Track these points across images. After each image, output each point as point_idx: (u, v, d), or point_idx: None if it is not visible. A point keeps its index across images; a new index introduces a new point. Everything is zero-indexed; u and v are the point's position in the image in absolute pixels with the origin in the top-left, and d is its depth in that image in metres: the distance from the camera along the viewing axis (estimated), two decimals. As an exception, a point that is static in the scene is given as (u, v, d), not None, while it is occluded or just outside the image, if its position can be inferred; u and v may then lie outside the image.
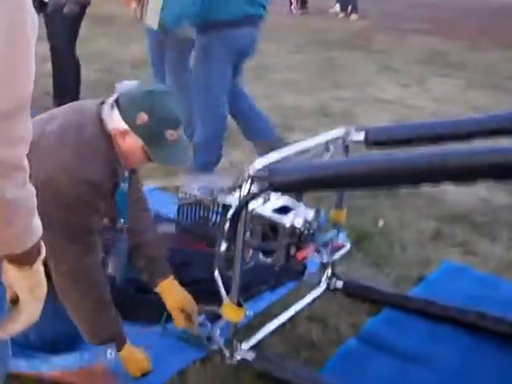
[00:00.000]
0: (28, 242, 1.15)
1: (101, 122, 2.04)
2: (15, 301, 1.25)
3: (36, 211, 1.15)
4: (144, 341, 2.35)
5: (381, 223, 3.65)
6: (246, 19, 3.67)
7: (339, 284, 2.94)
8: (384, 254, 3.30)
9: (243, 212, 2.26)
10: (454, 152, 2.04)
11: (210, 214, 2.77)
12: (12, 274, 1.20)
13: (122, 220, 2.30)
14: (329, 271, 2.96)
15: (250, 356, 2.41)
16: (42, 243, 1.21)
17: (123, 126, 2.02)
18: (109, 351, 2.19)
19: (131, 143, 2.04)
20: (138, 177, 2.40)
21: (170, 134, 2.03)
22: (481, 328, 2.66)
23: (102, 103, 2.09)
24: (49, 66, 5.72)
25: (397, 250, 3.35)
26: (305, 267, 3.04)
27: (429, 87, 7.15)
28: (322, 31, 10.28)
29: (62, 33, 5.47)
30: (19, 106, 1.02)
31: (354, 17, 12.00)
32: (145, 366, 2.27)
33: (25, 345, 2.39)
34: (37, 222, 1.17)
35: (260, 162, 2.31)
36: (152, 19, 3.96)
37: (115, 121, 2.03)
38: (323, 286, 2.94)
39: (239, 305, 2.37)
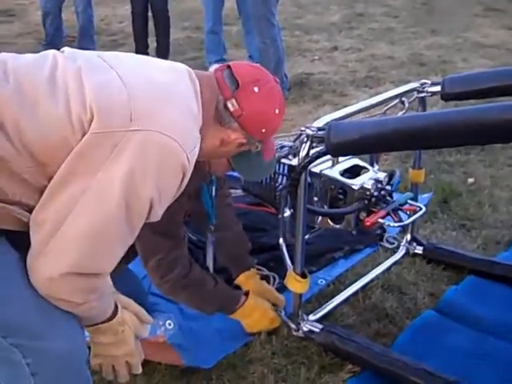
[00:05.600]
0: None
1: None
2: None
3: (109, 296, 1.53)
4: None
5: (470, 180, 3.38)
6: None
7: (419, 249, 2.72)
8: (472, 215, 3.04)
9: (302, 176, 2.09)
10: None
11: (276, 176, 2.61)
12: None
13: (212, 222, 2.34)
14: (408, 235, 2.75)
15: (317, 328, 2.27)
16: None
17: None
18: (168, 322, 2.15)
19: None
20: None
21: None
22: None
23: None
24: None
25: (486, 210, 3.08)
26: (384, 231, 2.85)
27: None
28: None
29: None
30: (97, 274, 1.42)
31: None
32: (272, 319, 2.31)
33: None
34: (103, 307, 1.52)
35: (321, 120, 2.13)
36: None
37: None
38: (402, 251, 2.74)
39: (303, 276, 2.24)
